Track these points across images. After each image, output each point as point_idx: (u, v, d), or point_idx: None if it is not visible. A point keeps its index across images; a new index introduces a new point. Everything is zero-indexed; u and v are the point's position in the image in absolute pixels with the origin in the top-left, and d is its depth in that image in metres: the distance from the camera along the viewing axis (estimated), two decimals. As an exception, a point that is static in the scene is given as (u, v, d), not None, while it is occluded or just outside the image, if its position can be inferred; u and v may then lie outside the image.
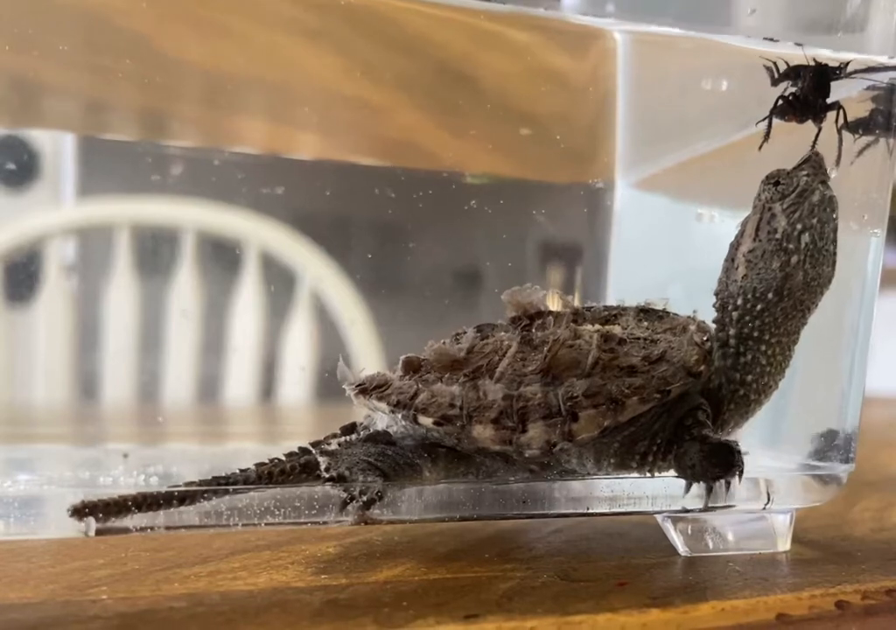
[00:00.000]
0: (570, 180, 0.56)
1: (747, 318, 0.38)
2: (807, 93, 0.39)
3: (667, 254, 0.53)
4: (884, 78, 0.40)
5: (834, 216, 0.37)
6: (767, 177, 0.38)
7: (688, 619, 0.32)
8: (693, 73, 0.47)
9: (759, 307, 0.37)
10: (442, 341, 0.40)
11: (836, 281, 0.38)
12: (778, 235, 0.37)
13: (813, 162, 0.37)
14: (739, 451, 0.35)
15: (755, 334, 0.38)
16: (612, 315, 0.39)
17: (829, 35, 0.40)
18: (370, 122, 0.59)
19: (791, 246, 0.37)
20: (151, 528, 0.33)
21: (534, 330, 0.38)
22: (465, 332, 0.40)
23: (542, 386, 0.36)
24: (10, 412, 0.65)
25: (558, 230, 0.58)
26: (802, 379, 0.40)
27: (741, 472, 0.35)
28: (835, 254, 0.37)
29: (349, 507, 0.34)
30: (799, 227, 0.36)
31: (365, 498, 0.34)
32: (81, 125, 0.64)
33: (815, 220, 0.36)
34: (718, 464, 0.35)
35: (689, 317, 0.39)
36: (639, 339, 0.38)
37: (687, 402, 0.37)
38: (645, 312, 0.39)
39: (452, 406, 0.37)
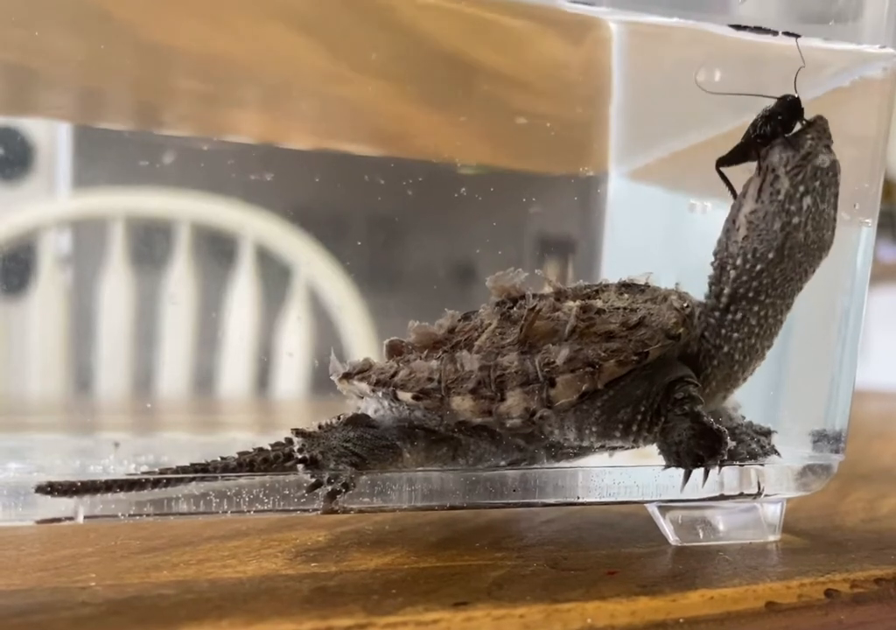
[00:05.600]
0: (563, 171, 0.56)
1: (745, 277, 0.38)
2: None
3: (660, 244, 0.53)
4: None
5: (836, 180, 0.37)
6: (773, 141, 0.37)
7: (677, 606, 0.32)
8: (687, 64, 0.46)
9: (758, 267, 0.37)
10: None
11: (826, 270, 0.38)
12: (781, 197, 0.37)
13: (818, 126, 0.37)
14: (727, 442, 0.35)
15: (750, 295, 0.38)
16: (594, 291, 0.40)
17: (821, 24, 0.40)
18: (363, 112, 0.59)
19: (793, 207, 0.37)
20: (139, 515, 0.33)
21: (515, 309, 0.39)
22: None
23: (519, 354, 0.37)
24: (4, 403, 0.65)
25: (552, 221, 0.58)
26: (794, 368, 0.41)
27: (722, 463, 0.35)
28: (835, 219, 0.37)
29: (317, 493, 0.34)
30: (801, 189, 0.36)
31: (331, 487, 0.34)
32: (75, 115, 0.64)
33: (817, 183, 0.37)
34: (704, 446, 0.35)
35: (671, 288, 0.39)
36: (618, 308, 0.38)
37: (669, 370, 0.37)
38: (627, 287, 0.40)
39: (431, 380, 0.37)
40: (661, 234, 0.54)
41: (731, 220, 0.38)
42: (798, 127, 0.37)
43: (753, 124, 0.38)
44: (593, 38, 0.48)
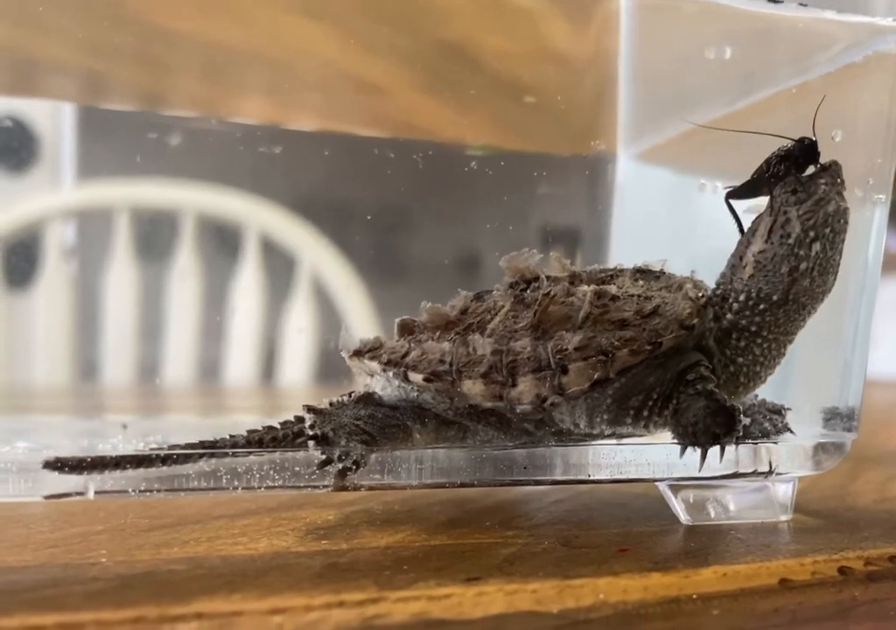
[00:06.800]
0: (571, 152, 0.56)
1: (747, 312, 0.38)
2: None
3: (669, 225, 0.53)
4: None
5: (846, 227, 0.37)
6: (785, 182, 0.37)
7: (689, 583, 0.32)
8: (697, 40, 0.46)
9: (761, 306, 0.37)
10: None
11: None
12: (791, 241, 0.37)
13: (832, 171, 0.37)
14: (741, 419, 0.35)
15: (753, 328, 0.38)
16: (609, 276, 0.39)
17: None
18: (369, 98, 0.59)
19: (802, 252, 0.36)
20: (150, 491, 0.32)
21: (528, 291, 0.38)
22: None
23: (532, 340, 0.36)
24: (11, 390, 0.65)
25: (559, 202, 0.58)
26: (807, 348, 0.40)
27: (739, 438, 0.35)
28: (839, 264, 0.38)
29: (328, 470, 0.34)
30: (812, 234, 0.36)
31: (341, 465, 0.34)
32: (79, 100, 0.64)
33: (828, 230, 0.36)
34: (721, 423, 0.34)
35: (686, 276, 0.39)
36: (633, 295, 0.38)
37: (683, 358, 0.37)
38: (642, 273, 0.39)
39: (442, 362, 0.37)
40: (670, 215, 0.53)
41: (738, 257, 0.38)
42: (811, 169, 0.37)
43: (767, 162, 0.38)
44: (602, 15, 0.48)
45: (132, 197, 0.82)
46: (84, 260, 0.81)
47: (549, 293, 0.37)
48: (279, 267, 0.96)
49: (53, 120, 0.73)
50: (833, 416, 0.42)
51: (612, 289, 0.38)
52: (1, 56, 0.53)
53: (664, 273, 0.39)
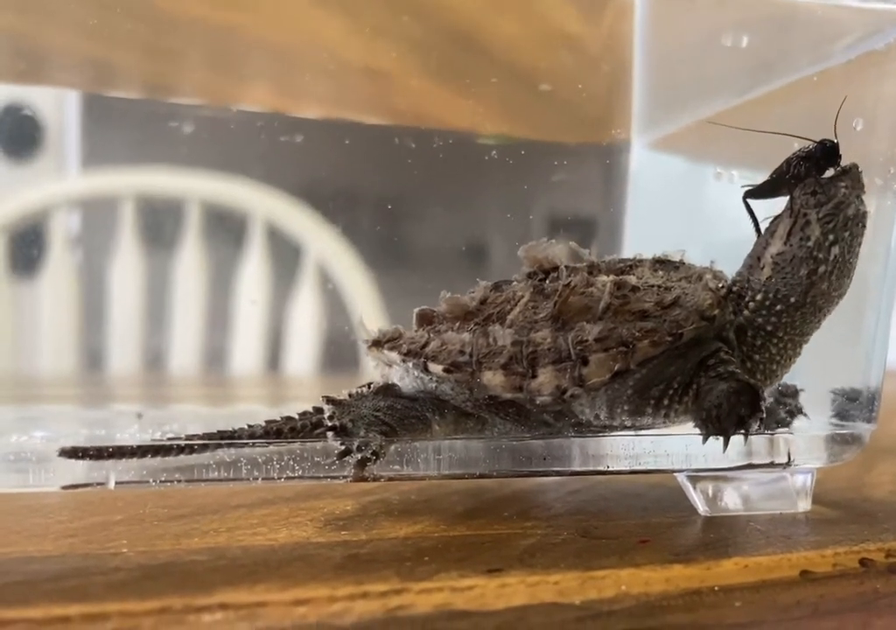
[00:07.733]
0: (585, 140, 0.55)
1: (763, 312, 0.37)
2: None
3: (683, 214, 0.52)
4: None
5: (863, 231, 0.37)
6: (806, 183, 0.37)
7: (711, 574, 0.32)
8: (713, 28, 0.46)
9: (778, 307, 0.37)
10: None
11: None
12: (810, 243, 0.36)
13: (852, 174, 0.36)
14: (765, 397, 0.35)
15: (768, 328, 0.38)
16: (628, 266, 0.39)
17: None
18: (379, 86, 0.58)
19: (821, 256, 0.36)
20: (171, 482, 0.32)
21: (548, 282, 0.38)
22: None
23: (553, 331, 0.36)
24: (17, 379, 0.65)
25: (573, 190, 0.57)
26: (826, 337, 0.40)
27: (762, 420, 0.35)
28: (855, 267, 0.37)
29: (347, 460, 0.34)
30: (831, 238, 0.36)
31: (360, 455, 0.34)
32: (85, 91, 0.63)
33: (847, 234, 0.36)
34: (746, 403, 0.34)
35: (705, 267, 0.39)
36: (653, 286, 0.37)
37: (703, 348, 0.37)
38: (661, 263, 0.39)
39: (462, 353, 0.37)
40: (684, 205, 0.53)
41: (756, 257, 0.38)
42: (831, 171, 0.37)
43: (787, 162, 0.37)
44: (616, 4, 0.47)
45: (137, 185, 0.81)
46: (89, 248, 0.80)
47: (569, 284, 0.37)
48: (285, 255, 0.95)
49: (58, 108, 0.73)
50: (853, 408, 0.42)
51: (632, 279, 0.38)
52: (6, 43, 0.53)
53: (683, 263, 0.39)
